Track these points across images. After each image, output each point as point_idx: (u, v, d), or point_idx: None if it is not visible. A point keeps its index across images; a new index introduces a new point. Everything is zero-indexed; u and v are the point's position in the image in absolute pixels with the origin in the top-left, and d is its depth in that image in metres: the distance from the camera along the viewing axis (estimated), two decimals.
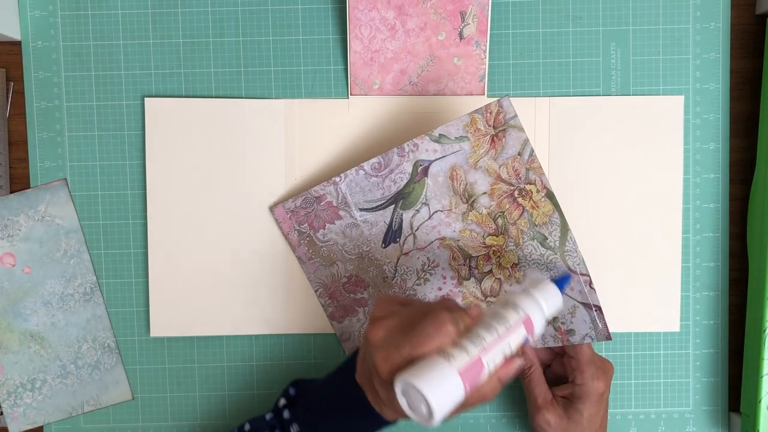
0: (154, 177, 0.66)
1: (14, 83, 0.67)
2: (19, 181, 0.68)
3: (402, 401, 0.48)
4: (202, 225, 0.66)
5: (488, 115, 0.58)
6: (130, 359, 0.68)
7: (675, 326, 0.67)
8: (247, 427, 0.59)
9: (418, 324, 0.48)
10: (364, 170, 0.63)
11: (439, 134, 0.60)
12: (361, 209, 0.63)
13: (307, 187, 0.66)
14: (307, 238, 0.65)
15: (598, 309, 0.59)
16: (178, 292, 0.67)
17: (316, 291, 0.66)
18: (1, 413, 0.67)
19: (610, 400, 0.64)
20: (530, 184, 0.58)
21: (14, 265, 0.66)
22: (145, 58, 0.66)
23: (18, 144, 0.68)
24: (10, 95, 0.67)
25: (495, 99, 0.59)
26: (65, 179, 0.67)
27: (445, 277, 0.64)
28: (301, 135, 0.66)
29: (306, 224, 0.65)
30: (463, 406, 0.49)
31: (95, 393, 0.68)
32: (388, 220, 0.63)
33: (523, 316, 0.50)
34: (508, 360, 0.49)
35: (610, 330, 0.66)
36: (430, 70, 0.65)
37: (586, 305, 0.59)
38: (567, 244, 0.58)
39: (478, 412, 0.69)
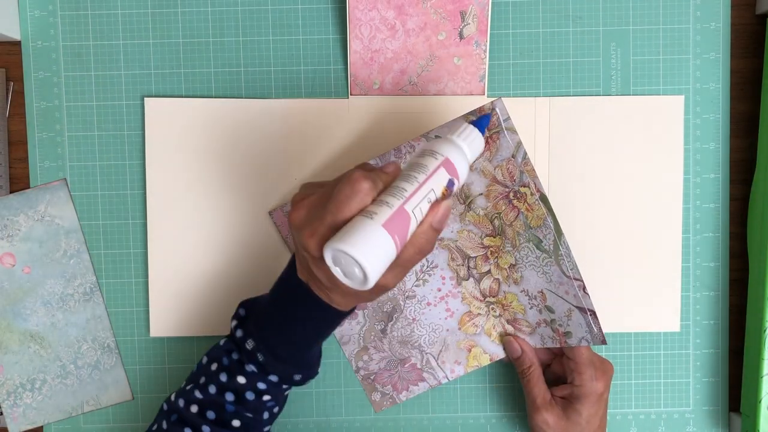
0: (154, 177, 0.66)
1: (14, 83, 0.67)
2: (19, 181, 0.68)
3: (336, 271, 0.46)
4: (201, 225, 0.66)
5: None
6: (129, 359, 0.68)
7: (675, 326, 0.67)
8: (204, 359, 0.58)
9: (335, 190, 0.47)
10: None
11: (436, 135, 0.60)
12: None
13: None
14: None
15: (593, 313, 0.59)
16: (178, 292, 0.67)
17: None
18: (1, 413, 0.68)
19: (610, 400, 0.64)
20: (524, 186, 0.58)
21: (14, 265, 0.66)
22: (145, 58, 0.66)
23: (18, 144, 0.68)
24: (10, 95, 0.67)
25: (489, 101, 0.58)
26: (65, 179, 0.67)
27: (444, 278, 0.64)
28: (301, 135, 0.66)
29: None
30: (404, 264, 0.48)
31: (95, 393, 0.68)
32: None
33: (441, 159, 0.49)
34: (435, 204, 0.48)
35: (611, 330, 0.67)
36: (430, 70, 0.65)
37: (581, 309, 0.59)
38: (561, 248, 0.58)
39: (478, 412, 0.69)
